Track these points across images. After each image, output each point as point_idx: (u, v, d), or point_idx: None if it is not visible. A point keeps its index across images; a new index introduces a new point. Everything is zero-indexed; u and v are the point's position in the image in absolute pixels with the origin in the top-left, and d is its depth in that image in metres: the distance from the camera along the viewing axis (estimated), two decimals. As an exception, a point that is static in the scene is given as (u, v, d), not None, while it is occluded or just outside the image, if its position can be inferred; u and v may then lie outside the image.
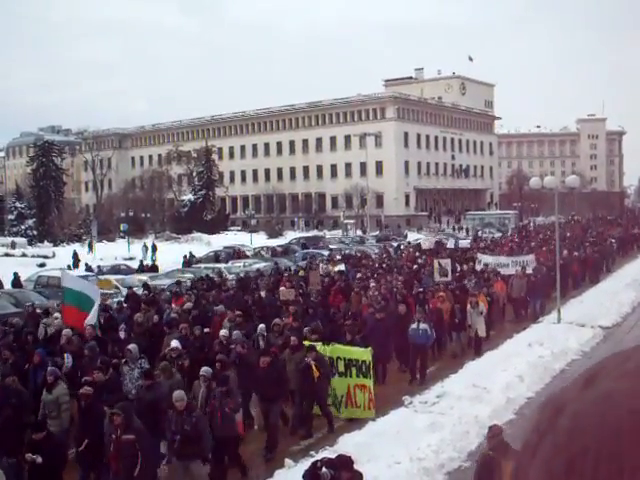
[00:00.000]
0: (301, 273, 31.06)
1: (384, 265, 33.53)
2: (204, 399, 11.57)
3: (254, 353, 14.35)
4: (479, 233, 66.75)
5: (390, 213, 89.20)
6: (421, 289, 23.38)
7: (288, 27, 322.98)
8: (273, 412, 12.99)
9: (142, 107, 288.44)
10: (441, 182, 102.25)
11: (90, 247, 59.31)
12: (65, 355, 14.15)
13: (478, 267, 29.67)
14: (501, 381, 15.69)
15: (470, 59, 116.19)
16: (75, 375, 12.94)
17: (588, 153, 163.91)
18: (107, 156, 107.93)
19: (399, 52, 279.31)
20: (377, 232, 76.24)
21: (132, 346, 13.81)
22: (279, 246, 54.24)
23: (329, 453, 12.01)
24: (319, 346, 14.30)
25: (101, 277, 33.68)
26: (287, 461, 11.90)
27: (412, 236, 67.13)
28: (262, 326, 16.79)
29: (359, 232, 76.36)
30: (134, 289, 26.90)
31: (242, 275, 32.53)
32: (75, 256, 47.88)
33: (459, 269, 29.68)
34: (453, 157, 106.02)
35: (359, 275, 29.03)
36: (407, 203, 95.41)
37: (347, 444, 12.21)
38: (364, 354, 14.34)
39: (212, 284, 27.63)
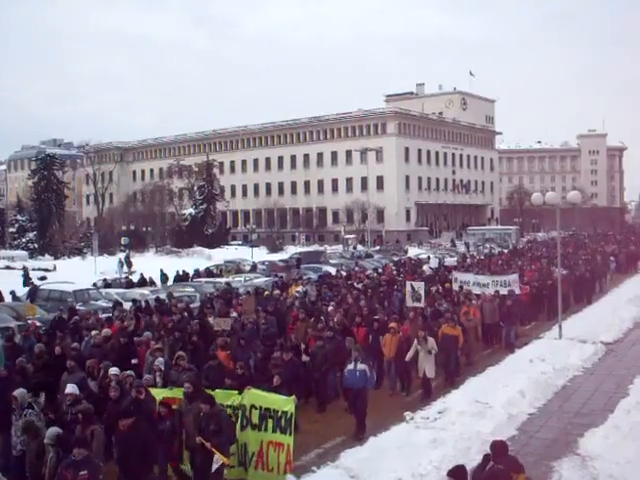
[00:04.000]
0: (266, 294, 27.26)
1: (355, 285, 29.94)
2: (52, 471, 9.18)
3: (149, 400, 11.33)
4: (480, 248, 66.22)
5: (391, 228, 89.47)
6: (377, 316, 19.69)
7: (291, 43, 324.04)
8: None
9: (146, 121, 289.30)
10: (442, 197, 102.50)
11: (128, 262, 54.09)
12: None
13: (455, 286, 26.92)
14: (503, 397, 15.64)
15: (471, 74, 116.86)
16: None
17: (589, 169, 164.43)
18: (108, 170, 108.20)
19: (400, 67, 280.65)
20: (378, 247, 76.19)
21: (19, 391, 11.12)
22: (282, 260, 54.05)
23: (330, 469, 11.96)
24: (233, 395, 11.95)
25: (103, 291, 33.69)
26: None
27: (413, 251, 67.06)
28: (160, 360, 13.98)
29: (360, 247, 76.09)
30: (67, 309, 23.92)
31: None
32: (26, 274, 43.28)
33: (434, 291, 26.38)
34: (454, 172, 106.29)
35: (313, 299, 25.93)
36: (408, 218, 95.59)
37: (349, 459, 12.18)
38: (285, 404, 11.51)
39: (161, 307, 24.39)
